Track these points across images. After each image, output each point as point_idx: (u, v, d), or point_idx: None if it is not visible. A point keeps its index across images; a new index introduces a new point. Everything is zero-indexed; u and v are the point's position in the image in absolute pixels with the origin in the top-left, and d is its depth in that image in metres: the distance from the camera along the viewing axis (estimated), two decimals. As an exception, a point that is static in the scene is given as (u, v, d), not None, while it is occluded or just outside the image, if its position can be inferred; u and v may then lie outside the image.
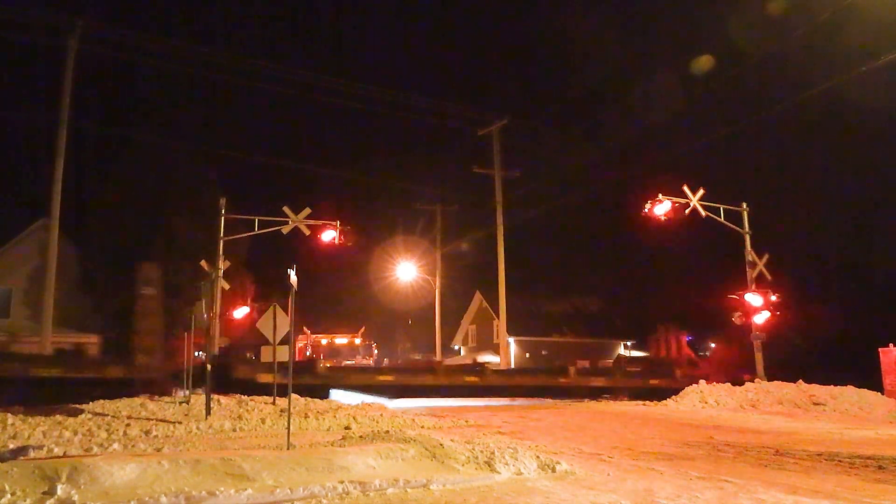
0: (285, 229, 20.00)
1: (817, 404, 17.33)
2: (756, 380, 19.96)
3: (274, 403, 12.41)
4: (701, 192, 20.97)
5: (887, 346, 19.21)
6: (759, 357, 20.96)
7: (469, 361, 31.89)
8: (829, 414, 16.42)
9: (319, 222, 20.43)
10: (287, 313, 8.91)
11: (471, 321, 42.70)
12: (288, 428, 7.91)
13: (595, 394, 20.96)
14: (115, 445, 8.37)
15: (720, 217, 21.42)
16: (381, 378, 19.97)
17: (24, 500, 5.02)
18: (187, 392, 12.88)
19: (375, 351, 38.63)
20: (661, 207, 20.55)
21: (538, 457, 7.22)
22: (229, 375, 15.29)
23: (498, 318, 31.13)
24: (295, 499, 5.57)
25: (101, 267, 24.31)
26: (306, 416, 11.70)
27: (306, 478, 6.06)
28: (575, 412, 15.90)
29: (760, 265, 21.52)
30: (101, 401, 12.32)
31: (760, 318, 20.63)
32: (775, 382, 19.17)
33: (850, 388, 18.14)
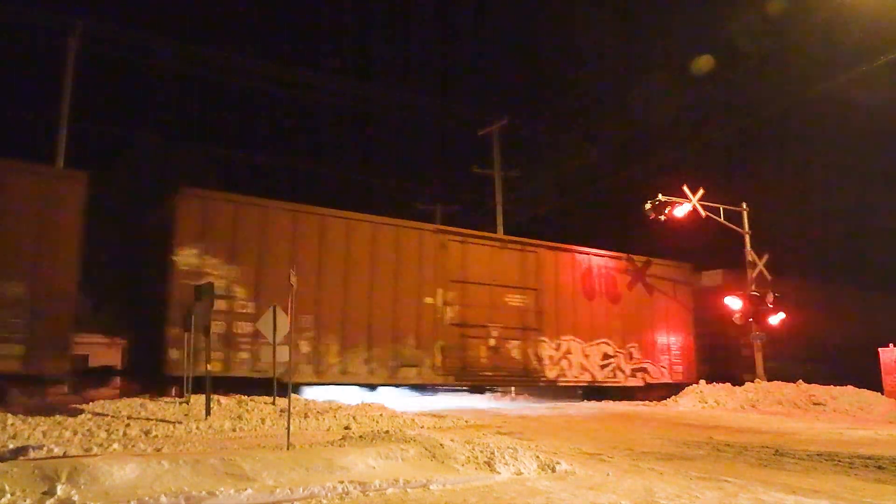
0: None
1: (817, 404, 17.36)
2: (756, 380, 19.99)
3: (274, 403, 12.43)
4: (701, 192, 21.01)
5: (887, 346, 19.24)
6: (759, 357, 20.98)
7: None
8: (829, 414, 16.44)
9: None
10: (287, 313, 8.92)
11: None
12: (288, 428, 7.91)
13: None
14: (115, 445, 8.37)
15: (720, 217, 21.45)
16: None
17: (24, 500, 5.02)
18: (187, 392, 12.88)
19: None
20: (661, 207, 20.60)
21: (538, 457, 7.23)
22: None
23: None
24: (295, 499, 5.58)
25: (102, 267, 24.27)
26: (306, 416, 11.71)
27: (306, 478, 6.06)
28: (574, 412, 15.92)
29: (760, 265, 21.54)
30: (101, 401, 12.30)
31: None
32: (775, 382, 19.20)
33: (850, 388, 18.18)
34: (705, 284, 23.60)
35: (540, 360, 18.52)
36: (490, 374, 17.78)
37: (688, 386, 20.12)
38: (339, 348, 15.31)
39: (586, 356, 19.47)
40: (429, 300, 16.83)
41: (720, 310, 21.95)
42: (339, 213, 16.07)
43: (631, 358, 20.40)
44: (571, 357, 19.19)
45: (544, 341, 18.68)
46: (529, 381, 18.96)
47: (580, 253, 20.18)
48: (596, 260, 20.43)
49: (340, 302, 15.54)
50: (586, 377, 19.42)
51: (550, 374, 18.66)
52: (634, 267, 21.26)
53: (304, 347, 14.78)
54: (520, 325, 18.32)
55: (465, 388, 20.10)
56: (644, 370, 20.64)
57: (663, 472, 7.15)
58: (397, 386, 17.69)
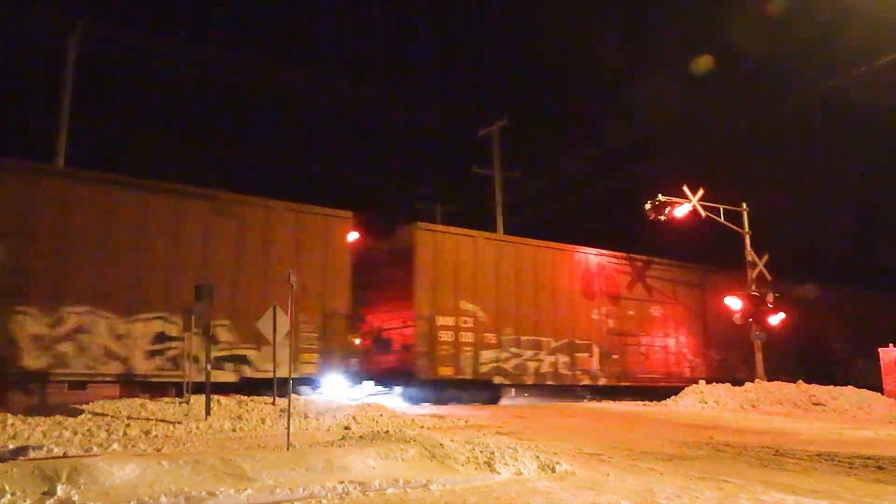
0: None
1: (817, 404, 17.37)
2: (756, 380, 19.98)
3: (274, 403, 12.42)
4: (701, 192, 21.02)
5: (887, 345, 19.24)
6: (759, 357, 20.98)
7: None
8: (829, 414, 16.44)
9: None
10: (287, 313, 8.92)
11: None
12: (288, 428, 7.91)
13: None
14: (115, 445, 8.38)
15: (720, 217, 21.45)
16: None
17: (24, 500, 5.03)
18: (187, 392, 12.86)
19: None
20: (661, 208, 20.61)
21: (538, 457, 7.22)
22: None
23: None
24: (295, 499, 5.58)
25: None
26: (306, 416, 11.71)
27: (306, 478, 6.06)
28: (574, 412, 15.90)
29: (760, 265, 21.55)
30: (101, 401, 12.30)
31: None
32: (775, 382, 19.21)
33: (850, 388, 18.20)
34: (395, 245, 18.09)
35: (13, 342, 12.48)
36: None
37: (323, 379, 15.85)
38: None
39: (119, 336, 13.44)
40: None
41: (408, 281, 17.08)
42: None
43: (216, 341, 13.84)
44: (82, 338, 13.08)
45: (25, 313, 12.56)
46: None
47: (118, 184, 13.90)
48: (159, 200, 14.21)
49: None
50: (114, 368, 13.38)
51: (34, 363, 12.60)
52: (229, 213, 15.08)
53: None
54: None
55: None
56: (241, 359, 14.66)
57: (663, 472, 7.15)
58: None
